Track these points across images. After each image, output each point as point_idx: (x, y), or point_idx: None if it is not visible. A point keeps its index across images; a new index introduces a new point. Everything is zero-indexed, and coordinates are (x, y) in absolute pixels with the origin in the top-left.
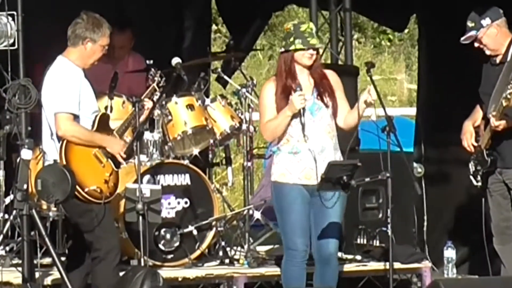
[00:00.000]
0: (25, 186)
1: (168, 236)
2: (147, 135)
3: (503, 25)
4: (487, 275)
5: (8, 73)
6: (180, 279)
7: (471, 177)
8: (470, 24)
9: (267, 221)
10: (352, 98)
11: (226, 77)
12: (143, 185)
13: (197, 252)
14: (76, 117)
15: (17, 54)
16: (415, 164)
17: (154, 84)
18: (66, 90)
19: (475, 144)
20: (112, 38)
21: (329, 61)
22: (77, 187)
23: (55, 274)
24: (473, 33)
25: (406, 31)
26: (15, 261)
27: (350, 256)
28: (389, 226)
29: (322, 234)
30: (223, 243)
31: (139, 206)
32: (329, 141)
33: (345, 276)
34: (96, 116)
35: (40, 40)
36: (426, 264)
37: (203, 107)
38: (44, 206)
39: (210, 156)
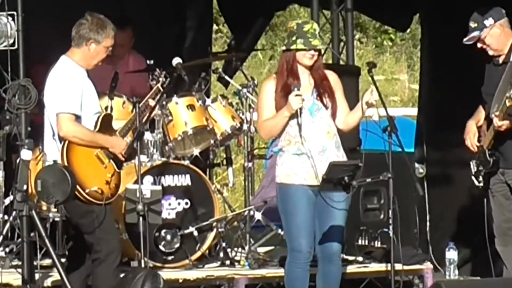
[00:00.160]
0: (25, 187)
1: (168, 237)
2: (148, 136)
3: (506, 25)
4: (490, 277)
5: (8, 73)
6: (180, 281)
7: (473, 178)
8: (473, 24)
9: (268, 222)
10: (354, 99)
11: (227, 77)
12: (144, 185)
13: (198, 253)
14: (78, 118)
15: (17, 54)
16: (416, 165)
17: (159, 85)
18: (69, 91)
19: (478, 144)
20: None
21: (330, 61)
22: (78, 187)
23: (55, 275)
24: (476, 33)
25: (408, 30)
26: (15, 262)
27: (351, 257)
28: (390, 227)
29: (326, 233)
30: (223, 244)
31: (140, 207)
32: (329, 141)
33: (347, 277)
34: (98, 116)
35: (40, 40)
36: (428, 266)
37: (204, 107)
38: (44, 207)
39: (211, 156)
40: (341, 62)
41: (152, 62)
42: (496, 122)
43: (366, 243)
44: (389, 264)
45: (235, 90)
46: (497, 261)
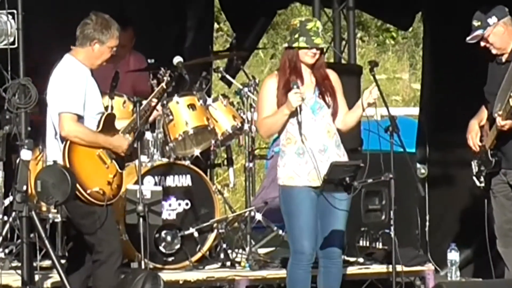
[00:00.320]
0: (24, 188)
1: (168, 238)
2: (148, 135)
3: (509, 24)
4: (492, 278)
5: (8, 72)
6: (181, 282)
7: (474, 178)
8: (476, 23)
9: (269, 223)
10: (355, 98)
11: (228, 77)
12: (144, 186)
13: (198, 255)
14: (80, 118)
15: (17, 53)
16: (418, 165)
17: (163, 84)
18: (72, 90)
19: (480, 143)
20: None
21: (332, 60)
22: (79, 188)
23: (54, 276)
24: (479, 32)
25: (410, 29)
26: (15, 263)
27: (352, 259)
28: (392, 228)
29: (328, 234)
30: (224, 246)
31: (140, 207)
32: (330, 140)
33: (348, 279)
34: (101, 116)
35: (40, 39)
36: (430, 267)
37: (205, 106)
38: (44, 208)
39: (212, 156)
40: (343, 61)
41: (153, 61)
42: (499, 121)
43: (367, 244)
44: (390, 266)
45: (236, 89)
46: (499, 262)
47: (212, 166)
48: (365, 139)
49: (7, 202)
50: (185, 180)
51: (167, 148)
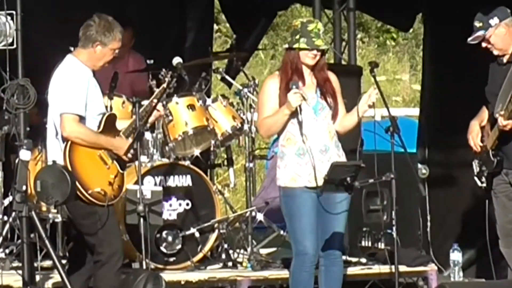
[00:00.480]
0: (24, 188)
1: (170, 238)
2: (148, 136)
3: (511, 25)
4: (492, 278)
5: (6, 73)
6: (182, 282)
7: (476, 178)
8: (477, 24)
9: (270, 223)
10: (355, 98)
11: (228, 77)
12: (144, 186)
13: (200, 255)
14: (82, 119)
15: (15, 54)
16: (419, 166)
17: (164, 85)
18: (73, 91)
19: (481, 144)
20: None
21: (332, 61)
22: (80, 188)
23: (55, 277)
24: (481, 33)
25: (410, 30)
26: (15, 264)
27: (354, 259)
28: (394, 228)
29: (329, 234)
30: (225, 246)
31: (140, 208)
32: (331, 141)
33: (350, 279)
34: (102, 116)
35: (39, 39)
36: (432, 267)
37: (204, 107)
38: (44, 208)
39: (212, 157)
40: (343, 62)
41: (152, 61)
42: (501, 121)
43: (369, 244)
44: (392, 266)
45: (235, 90)
46: (501, 263)
47: (212, 166)
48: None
49: (6, 202)
50: (186, 180)
51: (166, 148)
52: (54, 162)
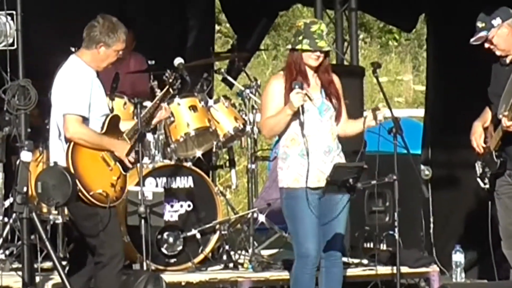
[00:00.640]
0: (25, 189)
1: (171, 239)
2: (149, 137)
3: None
4: (495, 280)
5: (7, 73)
6: (183, 284)
7: (478, 179)
8: (480, 24)
9: (271, 224)
10: (358, 99)
11: (230, 78)
12: (145, 187)
13: (201, 256)
14: (85, 120)
15: (16, 54)
16: (422, 167)
17: (169, 87)
18: (77, 92)
19: (484, 145)
20: None
21: (334, 62)
22: (82, 190)
23: (55, 278)
24: (483, 33)
25: (413, 30)
26: (15, 265)
27: (356, 260)
28: (396, 229)
29: (329, 235)
30: (227, 247)
31: (141, 209)
32: (333, 142)
33: (352, 280)
34: (106, 118)
35: (39, 40)
36: (434, 268)
37: (206, 108)
38: (45, 209)
39: (214, 158)
40: (345, 63)
41: (153, 62)
42: (505, 122)
43: (371, 245)
44: (394, 267)
45: (237, 91)
46: (504, 264)
47: (214, 167)
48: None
49: (7, 203)
50: (187, 182)
51: (168, 149)
52: (55, 163)
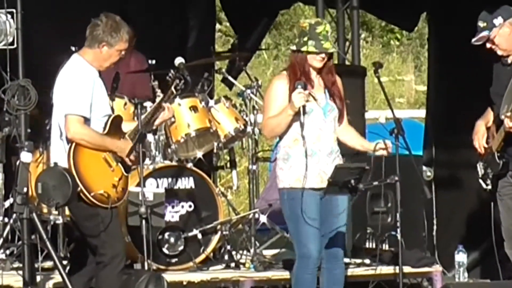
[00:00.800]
0: (25, 189)
1: (172, 240)
2: (150, 138)
3: None
4: (499, 279)
5: (7, 73)
6: (185, 283)
7: (480, 181)
8: (481, 24)
9: (273, 225)
10: (359, 99)
11: (230, 78)
12: (146, 188)
13: (202, 256)
14: (87, 120)
15: (16, 54)
16: (424, 168)
17: (172, 88)
18: (79, 92)
19: (486, 145)
20: None
21: (336, 61)
22: (84, 190)
23: (56, 277)
24: (485, 33)
25: (415, 29)
26: (16, 265)
27: (358, 260)
28: (398, 230)
29: (330, 235)
30: (228, 247)
31: (142, 209)
32: (335, 143)
33: (354, 280)
34: (108, 118)
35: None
36: (437, 268)
37: (207, 108)
38: (45, 210)
39: (214, 159)
40: (347, 62)
41: (154, 61)
42: (507, 123)
43: (374, 246)
44: (397, 267)
45: (238, 91)
46: (507, 265)
47: (215, 168)
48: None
49: (7, 204)
50: (188, 183)
51: (169, 150)
52: (55, 164)
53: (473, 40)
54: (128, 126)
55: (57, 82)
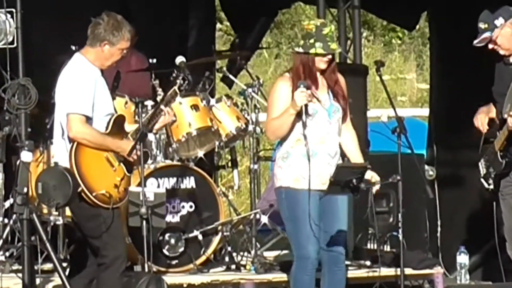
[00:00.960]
0: (25, 190)
1: (172, 241)
2: (151, 137)
3: None
4: (502, 281)
5: (7, 72)
6: (185, 285)
7: (482, 180)
8: (482, 25)
9: (274, 225)
10: (361, 98)
11: (231, 77)
12: (147, 188)
13: (203, 258)
14: (89, 119)
15: (16, 53)
16: (426, 167)
17: (176, 87)
18: (81, 91)
19: (488, 127)
20: None
21: (337, 60)
22: (85, 190)
23: (56, 280)
24: (487, 34)
25: (417, 28)
26: (15, 267)
27: (360, 262)
28: (400, 230)
29: (331, 237)
30: (229, 248)
31: (143, 210)
32: (338, 145)
33: (355, 282)
34: (110, 118)
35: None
36: (438, 270)
37: (208, 107)
38: (45, 210)
39: (216, 158)
40: (348, 61)
41: (155, 61)
42: (511, 122)
43: (375, 247)
44: (398, 269)
45: (240, 90)
46: (509, 265)
47: (216, 168)
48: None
49: (7, 204)
50: (189, 182)
51: (170, 149)
52: (56, 163)
53: (475, 42)
54: (130, 128)
55: (59, 81)
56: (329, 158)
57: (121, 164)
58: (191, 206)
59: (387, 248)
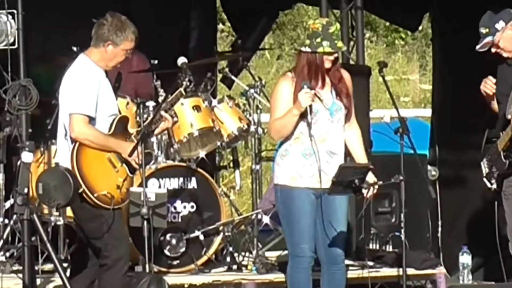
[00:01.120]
0: (25, 190)
1: (173, 241)
2: (152, 138)
3: None
4: (504, 281)
5: (8, 73)
6: (186, 286)
7: (485, 180)
8: (483, 30)
9: (276, 226)
10: (364, 99)
11: (233, 77)
12: (148, 188)
13: (204, 258)
14: (92, 120)
15: (17, 54)
16: (429, 167)
17: (182, 89)
18: (84, 91)
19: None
20: None
21: (340, 61)
22: (87, 191)
23: (57, 280)
24: (489, 39)
25: (420, 29)
26: (16, 267)
27: (361, 262)
28: (402, 231)
29: (330, 237)
30: (230, 249)
31: (144, 210)
32: (341, 143)
33: (357, 282)
34: (114, 118)
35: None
36: (441, 270)
37: (210, 108)
38: (46, 211)
39: (217, 159)
40: (351, 62)
41: (156, 61)
42: None
43: (377, 247)
44: (400, 269)
45: (242, 90)
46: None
47: (218, 168)
48: (375, 141)
49: (8, 205)
50: (191, 183)
51: (171, 150)
52: (56, 164)
53: (477, 47)
54: (132, 130)
55: (63, 82)
56: (328, 156)
57: (124, 165)
58: (192, 207)
59: (389, 248)
